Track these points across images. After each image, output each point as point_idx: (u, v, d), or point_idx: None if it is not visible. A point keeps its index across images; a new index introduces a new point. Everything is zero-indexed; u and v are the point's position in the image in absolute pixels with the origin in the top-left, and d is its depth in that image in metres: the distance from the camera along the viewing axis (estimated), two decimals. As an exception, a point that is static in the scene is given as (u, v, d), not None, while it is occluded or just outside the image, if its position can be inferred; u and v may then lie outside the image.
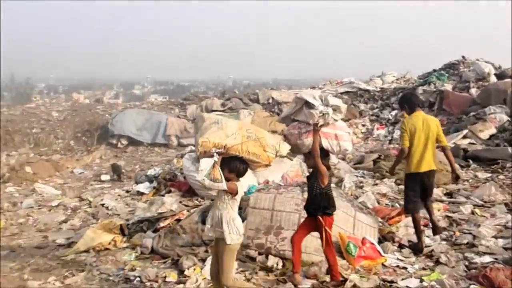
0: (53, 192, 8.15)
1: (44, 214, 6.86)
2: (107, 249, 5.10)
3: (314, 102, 3.93)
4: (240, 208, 5.38)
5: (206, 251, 4.64)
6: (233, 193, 3.42)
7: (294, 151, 4.05)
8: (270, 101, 13.77)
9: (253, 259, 4.55)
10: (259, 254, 4.58)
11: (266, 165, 3.74)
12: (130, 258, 4.78)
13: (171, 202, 5.82)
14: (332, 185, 5.65)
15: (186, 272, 4.22)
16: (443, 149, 4.76)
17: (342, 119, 4.33)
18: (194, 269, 4.26)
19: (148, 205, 5.92)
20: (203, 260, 4.44)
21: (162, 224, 5.47)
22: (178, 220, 5.62)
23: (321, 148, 3.87)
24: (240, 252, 4.63)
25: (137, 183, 8.18)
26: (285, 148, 3.80)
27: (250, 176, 6.90)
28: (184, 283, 4.06)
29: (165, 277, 4.22)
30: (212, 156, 3.38)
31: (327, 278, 4.04)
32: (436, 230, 4.84)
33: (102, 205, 6.99)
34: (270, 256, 4.56)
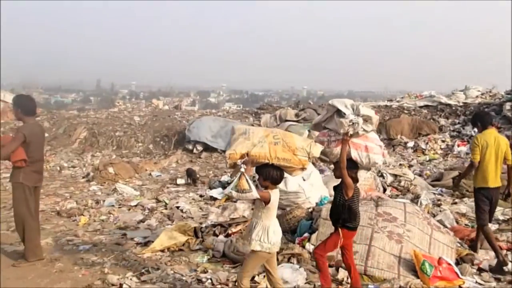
0: (132, 193, 8.60)
1: (123, 213, 7.25)
2: (181, 250, 5.29)
3: (345, 110, 3.78)
4: (311, 219, 5.36)
5: (277, 259, 4.65)
6: (265, 201, 3.39)
7: (323, 159, 3.98)
8: (345, 112, 13.54)
9: (323, 271, 4.48)
10: (330, 266, 4.49)
11: (302, 169, 3.64)
12: (202, 260, 4.92)
13: (243, 208, 5.91)
14: (407, 201, 5.47)
15: (256, 278, 4.25)
16: (509, 167, 4.88)
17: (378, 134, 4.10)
18: (264, 276, 4.27)
19: (221, 210, 6.06)
20: (274, 268, 4.45)
21: (233, 230, 5.58)
22: (250, 227, 5.70)
23: (350, 160, 3.78)
24: (309, 262, 4.60)
25: (210, 188, 8.41)
26: (317, 149, 3.65)
27: (322, 187, 6.84)
28: (253, 288, 4.09)
29: (235, 281, 4.27)
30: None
31: None
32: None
33: (177, 207, 7.25)
34: (340, 269, 4.47)
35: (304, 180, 6.74)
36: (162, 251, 5.26)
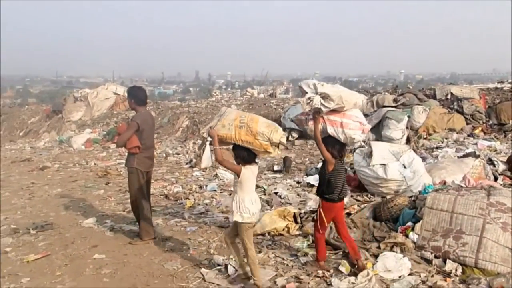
0: (232, 178, 8.91)
1: (225, 197, 7.54)
2: (281, 234, 5.39)
3: (307, 89, 4.10)
4: (414, 208, 5.13)
5: (378, 247, 4.54)
6: (236, 173, 3.90)
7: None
8: (449, 96, 12.61)
9: (428, 261, 4.29)
10: (436, 257, 4.28)
11: (266, 152, 3.94)
12: (302, 245, 4.96)
13: (342, 195, 5.83)
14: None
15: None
16: None
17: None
18: (366, 263, 4.21)
19: (319, 196, 6.03)
20: (375, 256, 4.36)
21: (332, 216, 5.53)
22: (348, 214, 5.63)
23: (330, 136, 4.08)
24: (414, 252, 4.42)
25: (307, 175, 8.42)
26: (277, 135, 3.89)
27: (425, 175, 6.51)
28: (355, 275, 4.04)
29: (337, 267, 4.27)
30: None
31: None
32: None
33: (275, 193, 7.37)
34: (448, 261, 4.23)
35: (405, 167, 6.45)
36: (263, 234, 5.41)
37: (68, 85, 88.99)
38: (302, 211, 5.94)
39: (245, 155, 3.93)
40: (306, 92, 4.09)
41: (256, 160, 4.06)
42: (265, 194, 7.56)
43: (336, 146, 4.11)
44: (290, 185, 8.06)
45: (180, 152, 12.77)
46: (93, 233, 5.89)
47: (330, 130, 4.07)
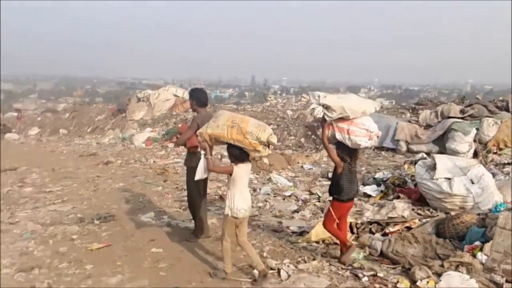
0: (286, 183, 8.88)
1: (278, 202, 7.52)
2: (335, 243, 5.27)
3: (312, 100, 4.60)
4: (483, 226, 4.83)
5: (441, 266, 4.31)
6: (229, 173, 4.22)
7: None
8: (524, 109, 11.83)
9: (498, 285, 4.01)
10: (507, 281, 4.00)
11: (255, 150, 4.19)
12: (358, 256, 4.82)
13: (402, 208, 5.62)
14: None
15: (418, 283, 4.02)
16: None
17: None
18: (428, 281, 4.01)
19: (378, 207, 5.86)
20: (438, 275, 4.14)
21: (391, 229, 5.35)
22: (409, 228, 5.41)
23: (340, 142, 4.46)
24: (482, 274, 4.17)
25: (364, 184, 8.21)
26: (265, 135, 4.11)
27: (495, 192, 6.15)
28: (415, 293, 3.87)
29: (396, 282, 4.10)
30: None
31: None
32: None
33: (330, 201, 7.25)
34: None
35: (473, 183, 6.11)
36: (317, 242, 5.32)
37: (131, 86, 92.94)
38: (359, 221, 5.78)
39: (237, 153, 4.24)
40: (312, 103, 4.57)
41: (249, 159, 4.36)
42: (319, 201, 7.45)
43: (345, 150, 4.50)
44: (346, 194, 7.88)
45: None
46: (151, 228, 6.07)
47: (338, 136, 4.44)
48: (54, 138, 20.90)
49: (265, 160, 10.86)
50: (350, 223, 5.48)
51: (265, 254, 5.02)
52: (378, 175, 8.45)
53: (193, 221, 5.76)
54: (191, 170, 5.52)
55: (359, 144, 4.39)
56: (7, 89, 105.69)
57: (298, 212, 6.82)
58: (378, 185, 7.91)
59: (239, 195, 4.24)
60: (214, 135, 4.22)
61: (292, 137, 14.74)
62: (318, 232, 5.36)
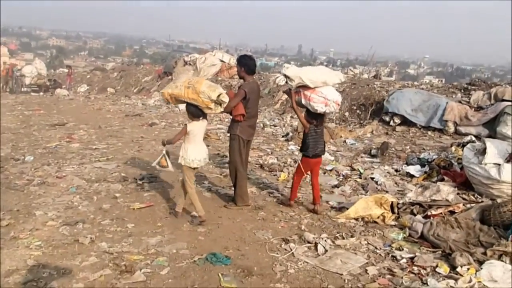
0: (327, 157, 8.75)
1: (319, 175, 7.45)
2: (375, 222, 5.21)
3: (281, 70, 5.49)
4: None
5: (484, 254, 4.17)
6: (185, 134, 4.86)
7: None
8: None
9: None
10: None
11: (209, 108, 4.82)
12: (397, 237, 4.75)
13: (447, 191, 5.43)
14: None
15: (458, 269, 3.91)
16: None
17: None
18: (468, 268, 3.89)
19: (422, 189, 5.69)
20: (480, 262, 4.01)
21: (434, 212, 5.20)
22: (452, 212, 5.25)
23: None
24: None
25: (407, 164, 7.99)
26: (215, 94, 4.73)
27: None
28: (455, 279, 3.76)
29: (436, 266, 4.01)
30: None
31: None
32: None
33: (372, 178, 7.12)
34: None
35: (525, 170, 5.80)
36: (356, 219, 5.27)
37: (178, 49, 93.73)
38: (401, 201, 5.65)
39: (193, 110, 4.86)
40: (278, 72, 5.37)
41: (206, 116, 5.00)
42: (360, 178, 7.34)
43: (311, 114, 5.33)
44: (388, 172, 7.73)
45: (277, 124, 12.85)
46: (192, 192, 6.18)
47: (303, 101, 5.28)
48: (102, 96, 21.51)
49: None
50: (392, 202, 5.38)
51: (303, 227, 5.03)
52: (423, 155, 8.19)
53: (233, 188, 5.82)
54: (235, 138, 5.55)
55: (316, 109, 5.22)
56: (59, 45, 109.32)
57: (338, 187, 6.75)
58: (423, 165, 7.68)
59: (193, 147, 4.89)
60: (173, 95, 4.84)
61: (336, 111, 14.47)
62: (358, 209, 5.31)
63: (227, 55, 22.78)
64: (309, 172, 5.66)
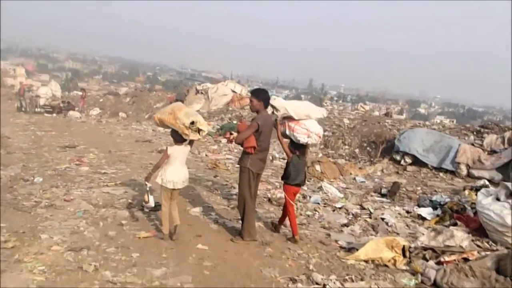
0: (337, 194, 8.65)
1: (328, 212, 7.33)
2: (385, 265, 5.04)
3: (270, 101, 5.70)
4: None
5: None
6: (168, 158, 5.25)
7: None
8: None
9: None
10: None
11: (186, 134, 5.18)
12: (409, 283, 4.58)
13: (462, 237, 5.26)
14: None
15: None
16: None
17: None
18: None
19: (435, 233, 5.54)
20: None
21: (447, 258, 5.04)
22: (465, 259, 5.08)
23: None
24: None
25: (419, 206, 7.85)
26: (188, 120, 5.10)
27: None
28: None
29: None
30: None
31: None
32: None
33: (382, 219, 6.98)
34: None
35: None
36: (366, 261, 5.11)
37: (191, 77, 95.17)
38: (412, 245, 5.50)
39: (173, 134, 5.30)
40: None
41: (188, 143, 5.39)
42: (370, 218, 7.19)
43: (294, 145, 5.68)
44: (399, 213, 7.57)
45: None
46: (199, 223, 6.10)
47: (287, 132, 5.63)
48: (113, 120, 21.72)
49: (317, 167, 10.69)
50: (404, 245, 5.23)
51: (311, 267, 4.88)
52: (435, 197, 8.05)
53: (240, 221, 5.72)
54: (245, 170, 5.49)
55: (299, 140, 5.57)
56: (75, 68, 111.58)
57: (347, 226, 6.61)
58: (435, 208, 7.53)
59: (171, 169, 5.21)
60: (160, 119, 5.31)
61: (347, 147, 14.42)
62: (368, 251, 5.16)
63: (239, 86, 23.07)
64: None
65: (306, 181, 9.61)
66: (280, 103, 5.80)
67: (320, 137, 5.73)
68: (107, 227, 5.58)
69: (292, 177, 5.64)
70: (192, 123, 5.13)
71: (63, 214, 5.94)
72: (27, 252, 4.56)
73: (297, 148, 5.68)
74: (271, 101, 5.69)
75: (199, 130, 5.22)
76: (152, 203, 5.49)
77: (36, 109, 23.54)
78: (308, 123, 5.61)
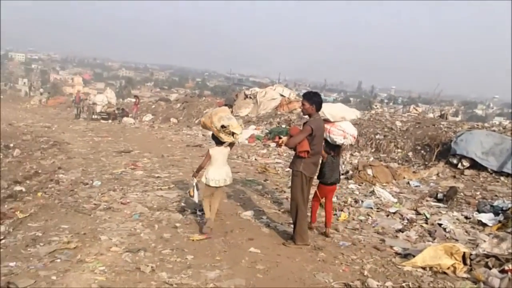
0: (390, 199, 8.41)
1: (381, 217, 7.14)
2: (444, 273, 4.84)
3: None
4: None
5: None
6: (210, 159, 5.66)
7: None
8: None
9: None
10: None
11: (220, 136, 5.63)
12: (471, 292, 4.37)
13: (528, 245, 4.98)
14: None
15: None
16: None
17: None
18: None
19: (498, 240, 5.26)
20: None
21: (511, 267, 4.76)
22: (534, 269, 4.77)
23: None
24: None
25: (479, 211, 7.47)
26: (219, 124, 5.54)
27: None
28: None
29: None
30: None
31: None
32: None
33: (440, 224, 6.70)
34: None
35: None
36: (424, 268, 4.92)
37: (238, 82, 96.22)
38: (473, 252, 5.24)
39: (214, 137, 5.74)
40: None
41: (228, 144, 5.78)
42: (426, 223, 6.93)
43: (329, 146, 5.87)
44: (457, 219, 7.25)
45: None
46: (250, 226, 6.13)
47: (324, 134, 5.69)
48: (165, 126, 22.35)
49: (369, 172, 10.45)
50: (464, 253, 4.99)
51: (366, 273, 4.76)
52: (497, 202, 7.63)
53: (292, 225, 5.69)
54: (297, 174, 5.45)
55: (335, 141, 5.80)
56: (128, 76, 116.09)
57: (402, 232, 6.40)
58: (496, 214, 7.15)
59: (213, 169, 5.64)
60: (203, 123, 5.79)
61: (399, 150, 13.99)
62: (426, 257, 4.98)
63: (287, 90, 23.04)
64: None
65: (358, 185, 9.62)
66: (326, 110, 5.85)
67: (355, 137, 5.96)
68: (162, 229, 5.74)
69: (327, 177, 5.88)
70: (223, 126, 5.53)
71: (121, 216, 6.17)
72: (88, 253, 4.77)
73: (332, 149, 5.90)
74: (323, 108, 5.72)
75: (233, 133, 5.62)
76: (196, 199, 5.89)
77: (93, 116, 24.73)
78: (343, 124, 5.83)
